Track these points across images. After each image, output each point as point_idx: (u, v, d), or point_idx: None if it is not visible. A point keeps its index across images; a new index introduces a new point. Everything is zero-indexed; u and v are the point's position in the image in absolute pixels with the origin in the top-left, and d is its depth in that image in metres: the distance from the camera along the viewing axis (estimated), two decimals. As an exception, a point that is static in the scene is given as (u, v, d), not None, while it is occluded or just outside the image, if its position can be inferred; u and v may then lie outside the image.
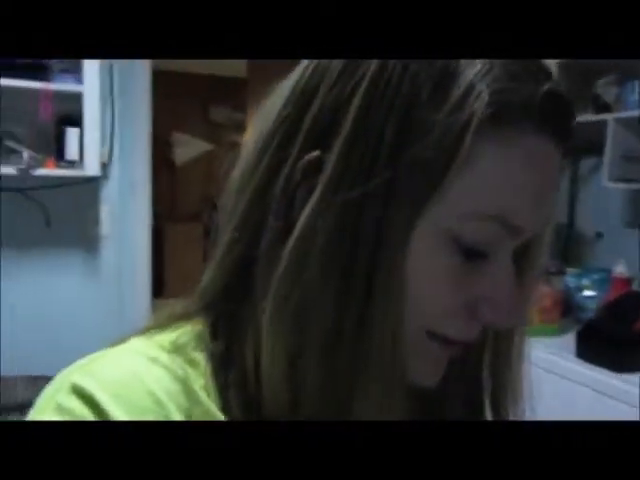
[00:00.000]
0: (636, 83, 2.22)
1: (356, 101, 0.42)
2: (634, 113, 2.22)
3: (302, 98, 0.45)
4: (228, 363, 0.47)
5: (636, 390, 1.73)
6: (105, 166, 2.90)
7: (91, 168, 2.71)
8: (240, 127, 5.98)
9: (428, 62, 0.42)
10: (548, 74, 0.44)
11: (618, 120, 2.27)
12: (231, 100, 6.43)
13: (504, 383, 0.53)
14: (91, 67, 2.62)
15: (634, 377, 1.82)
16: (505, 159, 0.42)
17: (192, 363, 0.46)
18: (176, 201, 6.56)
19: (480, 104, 0.41)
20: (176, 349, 0.47)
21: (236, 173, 0.49)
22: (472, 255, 0.44)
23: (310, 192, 0.44)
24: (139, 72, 3.02)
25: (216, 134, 6.70)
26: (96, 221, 2.97)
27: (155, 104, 3.19)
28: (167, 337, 0.48)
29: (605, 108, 2.33)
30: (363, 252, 0.42)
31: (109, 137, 2.89)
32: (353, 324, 0.42)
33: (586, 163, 2.71)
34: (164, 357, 0.46)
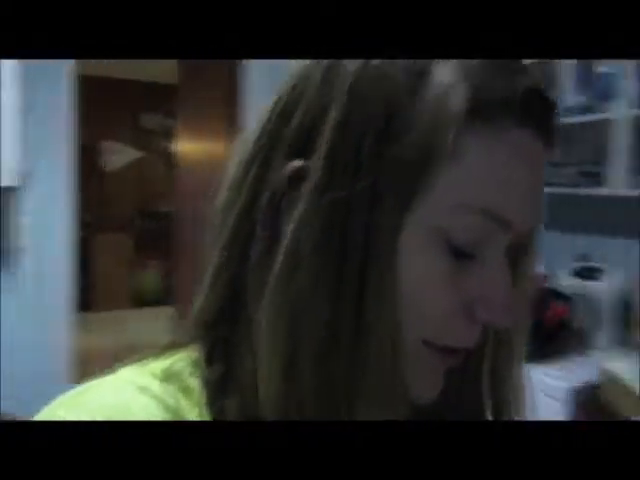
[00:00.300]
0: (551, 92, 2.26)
1: (335, 107, 0.43)
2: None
3: (284, 111, 0.46)
4: (225, 388, 0.45)
5: (551, 381, 1.76)
6: (24, 176, 2.80)
7: (7, 178, 2.63)
8: (171, 134, 5.88)
9: (404, 62, 0.42)
10: (526, 70, 0.44)
11: None
12: (162, 107, 6.36)
13: (506, 392, 0.51)
14: (8, 74, 2.54)
15: (547, 368, 1.85)
16: (489, 153, 0.42)
17: (186, 391, 0.45)
18: (106, 210, 6.44)
19: (460, 100, 0.41)
20: (169, 377, 0.45)
21: (222, 192, 0.49)
22: (464, 253, 0.44)
23: (295, 201, 0.43)
24: (61, 78, 2.94)
25: (147, 141, 6.62)
26: (15, 233, 2.87)
27: (83, 111, 3.11)
28: (160, 364, 0.46)
29: None
30: (352, 257, 0.42)
31: (28, 146, 2.80)
32: (348, 331, 0.42)
33: None
34: (155, 386, 0.44)
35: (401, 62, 0.42)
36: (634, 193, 2.12)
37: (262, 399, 0.43)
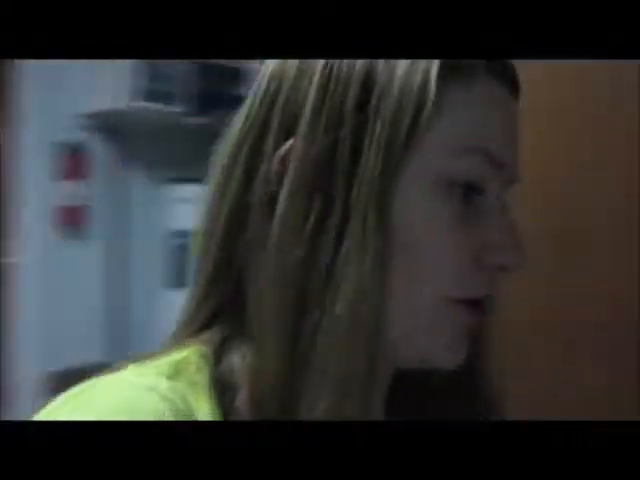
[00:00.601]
0: None
1: (315, 81, 0.45)
2: None
3: (265, 101, 0.48)
4: (233, 381, 0.45)
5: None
6: None
7: None
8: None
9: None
10: None
11: None
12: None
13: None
14: None
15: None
16: (471, 101, 0.46)
17: (194, 388, 0.44)
18: None
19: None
20: (176, 374, 0.44)
21: (209, 193, 0.50)
22: (467, 198, 0.46)
23: (286, 178, 0.45)
24: None
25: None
26: None
27: None
28: (166, 362, 0.45)
29: None
30: (338, 216, 0.43)
31: None
32: (329, 275, 0.43)
33: None
34: (162, 384, 0.43)
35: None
36: None
37: (267, 380, 0.43)
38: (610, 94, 0.93)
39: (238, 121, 0.50)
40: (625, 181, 0.92)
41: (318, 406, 0.42)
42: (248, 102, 0.50)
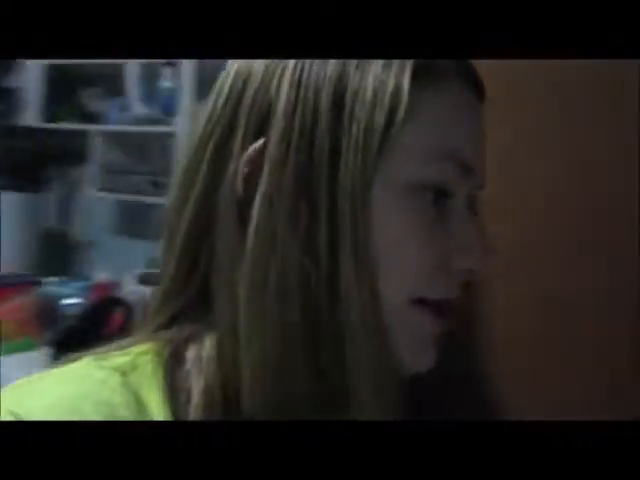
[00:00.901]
0: (117, 99, 2.47)
1: (286, 81, 0.44)
2: (117, 127, 2.48)
3: (231, 99, 0.47)
4: (189, 383, 0.45)
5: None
6: None
7: None
8: None
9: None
10: None
11: (103, 133, 2.54)
12: None
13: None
14: None
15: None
16: (443, 105, 0.46)
17: (148, 385, 0.44)
18: None
19: (406, 61, 0.44)
20: (133, 368, 0.45)
21: (172, 193, 0.49)
22: (437, 204, 0.46)
23: (258, 180, 0.44)
24: None
25: None
26: None
27: None
28: (124, 355, 0.46)
29: (90, 119, 2.53)
30: (323, 224, 0.43)
31: None
32: (328, 299, 0.43)
33: (76, 172, 2.81)
34: (116, 379, 0.43)
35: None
36: None
37: (247, 389, 0.43)
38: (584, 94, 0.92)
39: (201, 119, 0.49)
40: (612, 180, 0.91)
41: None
42: (211, 100, 0.49)
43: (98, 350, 0.47)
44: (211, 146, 0.47)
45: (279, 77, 0.45)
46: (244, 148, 0.46)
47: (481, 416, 0.53)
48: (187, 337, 0.47)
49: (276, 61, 0.46)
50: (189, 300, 0.48)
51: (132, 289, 2.34)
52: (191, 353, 0.47)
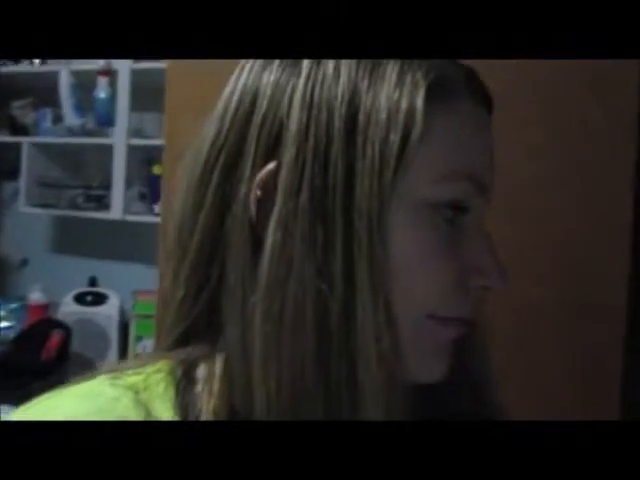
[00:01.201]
0: (48, 110, 2.37)
1: (297, 102, 0.44)
2: (48, 139, 2.36)
3: (237, 119, 0.47)
4: (196, 406, 0.45)
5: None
6: None
7: None
8: None
9: (355, 62, 0.45)
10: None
11: (33, 145, 2.38)
12: None
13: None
14: None
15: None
16: (453, 124, 0.46)
17: (160, 404, 0.45)
18: None
19: (418, 80, 0.44)
20: (145, 387, 0.46)
21: (178, 215, 0.49)
22: (452, 222, 0.46)
23: (271, 203, 0.44)
24: None
25: None
26: None
27: None
28: (138, 374, 0.47)
29: (21, 131, 2.42)
30: (339, 244, 0.43)
31: None
32: (342, 323, 0.43)
33: (8, 187, 2.70)
34: (130, 396, 0.44)
35: (352, 63, 0.45)
36: (134, 218, 2.21)
37: (260, 412, 0.43)
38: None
39: (205, 139, 0.48)
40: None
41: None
42: (216, 119, 0.48)
43: (112, 368, 0.48)
44: (219, 168, 0.47)
45: (289, 97, 0.45)
46: (255, 170, 0.45)
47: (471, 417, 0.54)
48: (199, 357, 0.48)
49: (285, 79, 0.45)
50: (199, 320, 0.48)
51: (70, 309, 2.27)
52: (202, 373, 0.47)
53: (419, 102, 0.44)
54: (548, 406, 0.90)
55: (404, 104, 0.44)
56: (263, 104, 0.45)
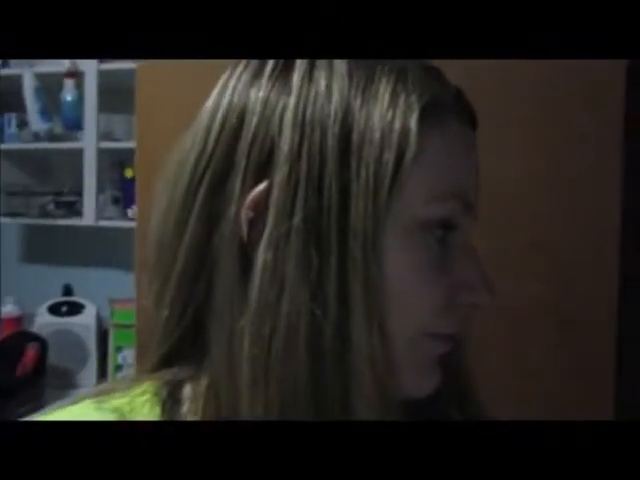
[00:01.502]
0: (13, 115, 2.28)
1: (288, 120, 0.43)
2: (13, 145, 2.28)
3: (224, 136, 0.46)
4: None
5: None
6: None
7: None
8: None
9: (349, 74, 0.45)
10: (443, 79, 0.49)
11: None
12: None
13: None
14: None
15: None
16: (443, 145, 0.46)
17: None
18: None
19: (412, 102, 0.44)
20: (131, 410, 0.46)
21: (158, 232, 0.48)
22: (442, 241, 0.46)
23: (262, 224, 0.43)
24: None
25: None
26: None
27: None
28: (122, 396, 0.47)
29: None
30: (333, 267, 0.42)
31: None
32: (336, 346, 0.42)
33: None
34: (114, 419, 0.45)
35: (344, 81, 0.44)
36: (107, 224, 2.16)
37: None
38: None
39: (188, 155, 0.47)
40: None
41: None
42: (199, 134, 0.47)
43: (96, 391, 0.48)
44: (206, 185, 0.46)
45: (280, 115, 0.44)
46: (244, 190, 0.44)
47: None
48: (184, 378, 0.48)
49: (275, 96, 0.45)
50: (184, 340, 0.48)
51: (45, 321, 2.21)
52: (188, 393, 0.47)
53: (413, 123, 0.44)
54: (544, 409, 0.89)
55: (398, 124, 0.44)
56: (252, 121, 0.45)
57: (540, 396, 0.91)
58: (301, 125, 0.43)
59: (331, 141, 0.43)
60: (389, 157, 0.43)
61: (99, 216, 2.13)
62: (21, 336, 2.11)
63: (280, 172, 0.43)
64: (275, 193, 0.43)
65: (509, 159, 0.91)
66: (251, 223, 0.44)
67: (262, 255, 0.43)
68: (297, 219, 0.42)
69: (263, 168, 0.44)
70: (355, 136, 0.43)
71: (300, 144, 0.43)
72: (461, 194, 0.47)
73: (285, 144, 0.43)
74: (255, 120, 0.44)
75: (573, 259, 0.90)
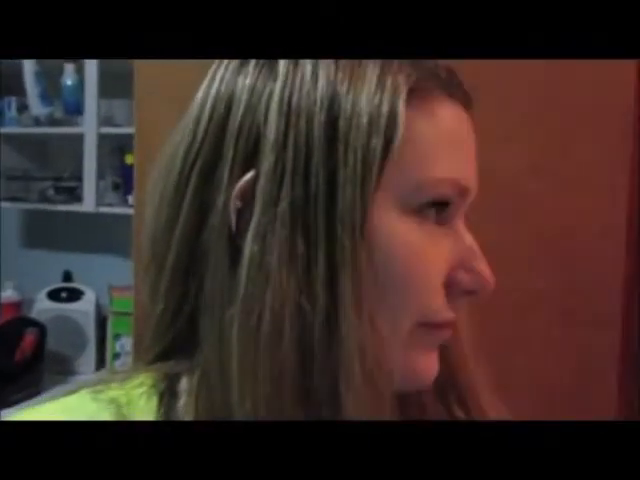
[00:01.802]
0: (13, 99, 2.26)
1: (274, 108, 0.43)
2: (13, 129, 2.26)
3: (212, 126, 0.45)
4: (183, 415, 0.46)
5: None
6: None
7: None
8: None
9: (334, 67, 0.44)
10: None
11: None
12: None
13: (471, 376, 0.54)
14: None
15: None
16: (434, 125, 0.45)
17: (142, 418, 0.45)
18: None
19: (399, 83, 0.44)
20: (128, 402, 0.45)
21: (149, 227, 0.48)
22: (438, 214, 0.46)
23: (249, 213, 0.43)
24: None
25: None
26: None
27: None
28: (120, 387, 0.47)
29: None
30: (321, 255, 0.42)
31: None
32: (324, 337, 0.42)
33: None
34: (111, 411, 0.44)
35: (330, 66, 0.44)
36: (108, 210, 2.14)
37: (239, 413, 0.42)
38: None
39: (178, 148, 0.47)
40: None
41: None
42: (189, 127, 0.47)
43: (93, 382, 0.48)
44: (195, 178, 0.45)
45: (266, 102, 0.44)
46: (232, 180, 0.44)
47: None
48: (182, 371, 0.47)
49: (261, 83, 0.44)
50: (180, 334, 0.48)
51: (44, 306, 2.20)
52: (185, 387, 0.47)
53: (400, 106, 0.43)
54: (546, 407, 0.89)
55: (385, 108, 0.43)
56: (239, 110, 0.44)
57: (542, 390, 0.91)
58: (287, 113, 0.43)
59: (317, 128, 0.42)
60: (377, 141, 0.42)
61: (99, 202, 2.12)
62: (20, 321, 2.11)
63: (266, 161, 0.43)
64: (261, 182, 0.43)
65: (513, 151, 0.90)
66: (239, 213, 0.44)
67: (249, 245, 0.42)
68: (282, 208, 0.42)
69: (250, 157, 0.44)
70: (342, 122, 0.42)
71: (286, 133, 0.42)
72: (453, 177, 0.46)
73: (271, 133, 0.43)
74: (241, 109, 0.44)
75: (577, 253, 0.90)
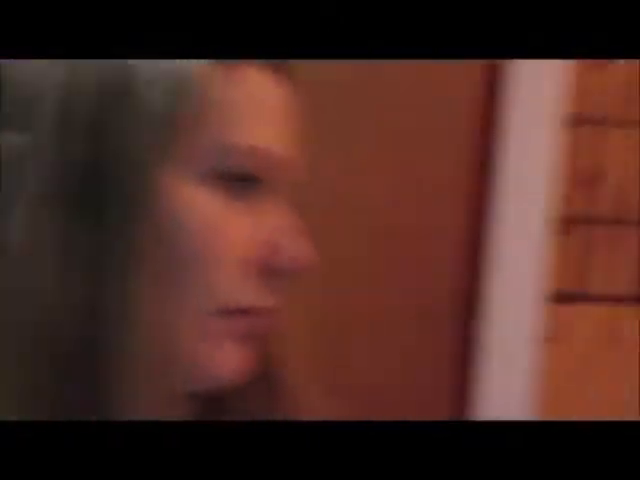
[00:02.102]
0: None
1: (54, 89, 0.39)
2: None
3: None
4: None
5: None
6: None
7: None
8: None
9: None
10: None
11: None
12: None
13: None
14: None
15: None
16: (241, 96, 0.43)
17: None
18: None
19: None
20: None
21: None
22: (245, 189, 0.43)
23: (20, 180, 0.39)
24: None
25: None
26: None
27: None
28: None
29: None
30: (107, 230, 0.38)
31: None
32: (105, 321, 0.38)
33: None
34: None
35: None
36: None
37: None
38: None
39: None
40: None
41: None
42: None
43: None
44: None
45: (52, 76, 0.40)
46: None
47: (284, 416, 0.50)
48: None
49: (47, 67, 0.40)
50: None
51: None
52: None
53: (196, 68, 0.40)
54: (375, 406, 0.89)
55: (181, 71, 0.40)
56: (18, 76, 0.41)
57: (370, 390, 0.93)
58: (67, 88, 0.40)
59: (103, 90, 0.39)
60: (169, 107, 0.39)
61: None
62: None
63: (43, 128, 0.39)
64: (37, 146, 0.39)
65: (347, 150, 0.93)
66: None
67: (17, 216, 0.39)
68: (57, 176, 0.39)
69: (23, 120, 0.40)
70: (136, 85, 0.39)
71: (64, 103, 0.39)
72: (262, 148, 0.43)
73: (50, 101, 0.39)
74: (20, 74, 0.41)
75: (408, 253, 0.93)
